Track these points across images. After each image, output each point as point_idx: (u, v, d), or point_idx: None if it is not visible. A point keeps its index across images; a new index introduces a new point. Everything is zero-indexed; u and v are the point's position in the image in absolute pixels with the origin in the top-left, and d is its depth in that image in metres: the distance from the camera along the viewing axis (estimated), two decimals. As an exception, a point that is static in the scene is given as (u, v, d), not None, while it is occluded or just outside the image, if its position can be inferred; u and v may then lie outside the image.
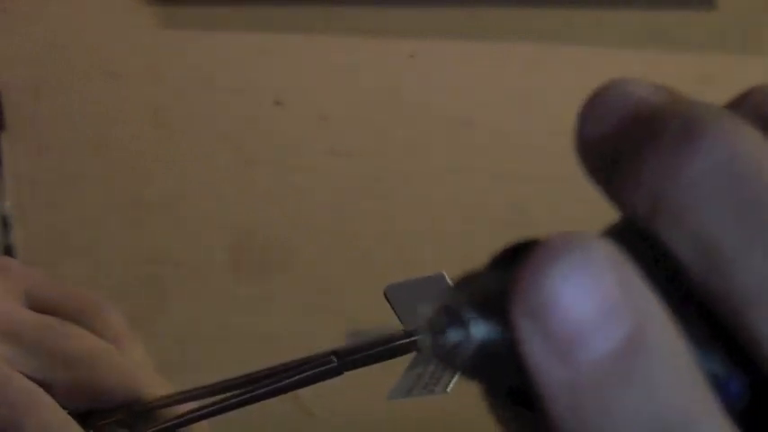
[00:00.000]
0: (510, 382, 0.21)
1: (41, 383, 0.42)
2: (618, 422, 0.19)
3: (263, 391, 0.45)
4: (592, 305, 0.19)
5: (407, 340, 0.45)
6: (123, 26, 1.17)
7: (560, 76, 1.04)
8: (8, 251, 1.24)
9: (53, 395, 0.42)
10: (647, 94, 0.22)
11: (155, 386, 0.45)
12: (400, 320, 0.46)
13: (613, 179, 0.23)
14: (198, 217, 1.19)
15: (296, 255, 1.14)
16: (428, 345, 0.21)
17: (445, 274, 0.45)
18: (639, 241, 0.22)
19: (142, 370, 0.46)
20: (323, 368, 0.46)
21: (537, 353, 0.19)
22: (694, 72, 1.00)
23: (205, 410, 0.45)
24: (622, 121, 0.22)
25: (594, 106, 0.23)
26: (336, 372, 0.45)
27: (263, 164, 1.15)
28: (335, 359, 0.46)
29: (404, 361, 0.46)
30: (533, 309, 0.19)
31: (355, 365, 0.46)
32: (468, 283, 0.22)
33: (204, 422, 0.46)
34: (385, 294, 0.46)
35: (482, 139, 1.07)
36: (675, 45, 1.00)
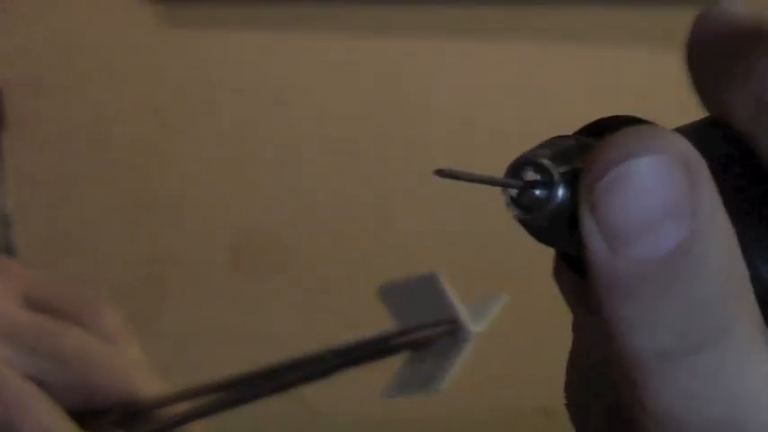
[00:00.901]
0: (573, 249, 0.22)
1: (38, 383, 0.42)
2: (646, 324, 0.20)
3: (260, 390, 0.46)
4: (650, 206, 0.20)
5: (402, 340, 0.45)
6: (123, 25, 1.17)
7: (560, 76, 1.04)
8: (8, 251, 1.24)
9: (50, 395, 0.42)
10: (755, 12, 0.23)
11: (150, 386, 0.45)
12: (394, 320, 0.46)
13: (720, 82, 0.24)
14: (198, 217, 1.19)
15: (296, 255, 1.14)
16: (513, 194, 0.22)
17: (438, 274, 0.45)
18: (722, 142, 0.23)
19: (137, 370, 0.46)
20: (320, 367, 0.46)
21: (592, 239, 0.20)
22: (694, 72, 1.00)
23: (201, 410, 0.45)
24: (735, 29, 0.23)
25: (708, 16, 0.24)
26: (333, 370, 0.46)
27: (263, 164, 1.15)
28: (332, 358, 0.46)
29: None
30: (596, 197, 0.20)
31: (351, 364, 0.46)
32: (557, 144, 0.23)
33: (199, 422, 0.46)
34: (378, 294, 0.47)
35: (482, 138, 1.07)
36: (675, 45, 1.00)
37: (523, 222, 0.23)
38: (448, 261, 1.18)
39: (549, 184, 0.22)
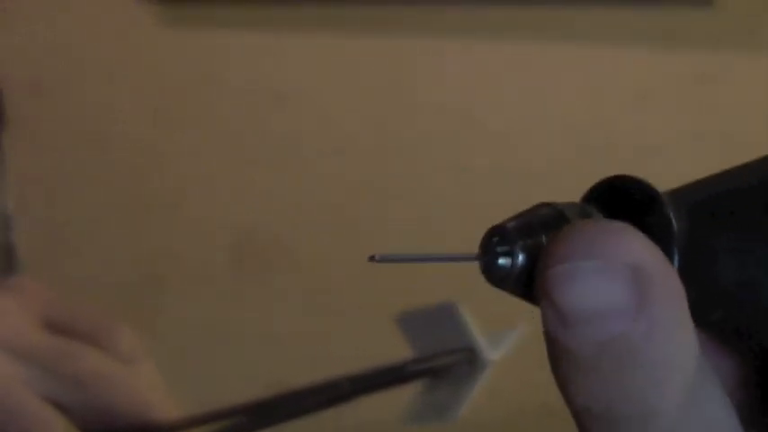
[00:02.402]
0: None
1: (56, 405, 0.43)
2: (580, 389, 0.23)
3: (277, 415, 0.46)
4: (591, 302, 0.23)
5: (419, 367, 0.46)
6: (123, 25, 1.17)
7: (560, 76, 1.04)
8: (9, 251, 1.24)
9: (68, 416, 0.42)
10: None
11: (166, 409, 0.46)
12: (411, 347, 0.47)
13: None
14: (198, 217, 1.19)
15: (296, 255, 1.14)
16: (482, 267, 0.24)
17: (456, 303, 0.46)
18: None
19: (154, 392, 0.46)
20: (336, 393, 0.46)
21: (545, 313, 0.23)
22: (694, 72, 1.00)
23: None
24: None
25: None
26: (349, 397, 0.46)
27: (263, 164, 1.15)
28: (349, 384, 0.47)
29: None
30: (547, 283, 0.23)
31: (368, 391, 0.46)
32: (531, 215, 0.26)
33: None
34: (395, 322, 0.47)
35: (483, 138, 1.07)
36: (675, 45, 1.00)
37: (496, 286, 0.25)
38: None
39: (510, 255, 0.24)
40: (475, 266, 0.26)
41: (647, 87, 1.02)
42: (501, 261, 0.24)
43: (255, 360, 1.17)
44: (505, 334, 0.46)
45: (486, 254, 0.25)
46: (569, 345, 0.23)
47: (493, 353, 0.45)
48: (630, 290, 0.23)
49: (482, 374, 0.44)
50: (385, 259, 0.25)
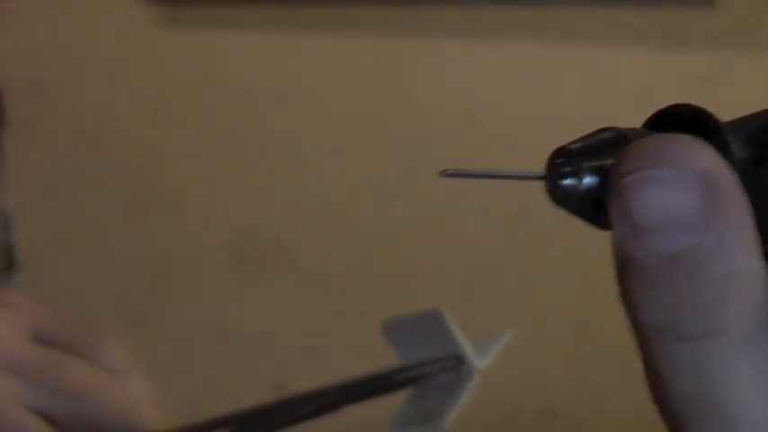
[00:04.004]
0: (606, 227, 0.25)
1: (45, 417, 0.43)
2: (648, 303, 0.23)
3: (266, 425, 0.46)
4: (664, 212, 0.23)
5: (406, 375, 0.45)
6: (123, 25, 1.17)
7: (560, 76, 1.04)
8: (9, 251, 1.24)
9: (56, 428, 0.42)
10: None
11: (155, 421, 0.46)
12: (398, 355, 0.46)
13: None
14: (198, 217, 1.19)
15: (296, 255, 1.14)
16: (547, 187, 0.25)
17: (442, 310, 0.45)
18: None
19: (144, 403, 0.46)
20: (325, 402, 0.46)
21: (616, 222, 0.23)
22: (694, 72, 1.00)
23: None
24: None
25: None
26: (338, 405, 0.46)
27: (263, 164, 1.15)
28: (337, 393, 0.47)
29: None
30: (621, 190, 0.23)
31: (356, 399, 0.46)
32: (594, 137, 0.26)
33: None
34: (382, 330, 0.47)
35: (482, 138, 1.07)
36: (675, 44, 1.00)
37: (560, 205, 0.26)
38: (447, 261, 1.18)
39: (574, 175, 0.25)
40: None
41: (647, 87, 1.02)
42: (566, 181, 0.25)
43: (255, 360, 1.17)
44: (492, 340, 0.46)
45: (552, 173, 0.25)
46: (640, 256, 0.23)
47: (480, 360, 0.45)
48: (703, 200, 0.22)
49: (470, 383, 0.44)
50: (453, 174, 0.25)
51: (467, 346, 0.45)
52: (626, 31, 1.02)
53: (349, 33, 1.10)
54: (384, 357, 1.24)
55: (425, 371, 0.45)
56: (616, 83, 1.03)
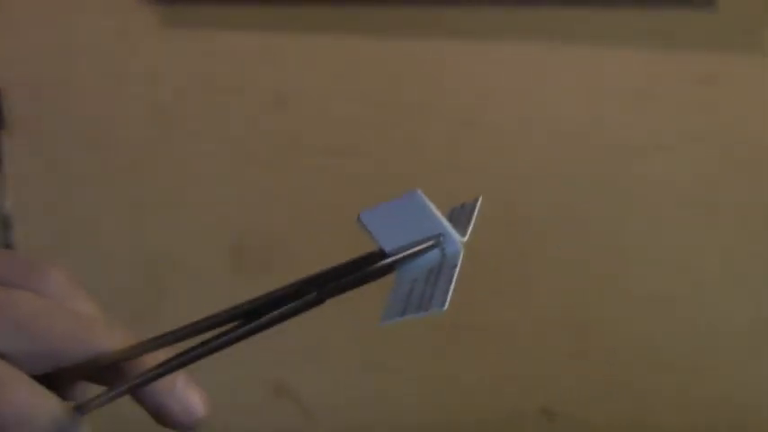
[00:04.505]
0: None
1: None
2: None
3: (242, 330, 0.44)
4: None
5: (387, 261, 0.44)
6: (123, 26, 1.17)
7: (560, 76, 1.04)
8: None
9: (12, 365, 0.41)
10: None
11: (114, 338, 0.44)
12: (378, 243, 0.45)
13: None
14: (198, 217, 1.19)
15: (296, 255, 1.14)
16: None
17: (420, 192, 0.44)
18: None
19: (95, 326, 0.44)
20: (303, 300, 0.44)
21: None
22: (694, 72, 1.00)
23: (184, 357, 0.43)
24: None
25: None
26: (317, 302, 0.44)
27: (263, 164, 1.15)
28: (310, 288, 0.45)
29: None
30: None
31: (334, 293, 0.45)
32: None
33: (181, 371, 0.44)
34: (359, 221, 0.46)
35: (482, 138, 1.07)
36: (675, 45, 1.00)
37: None
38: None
39: None
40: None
41: (647, 87, 1.02)
42: None
43: (255, 360, 1.17)
44: (466, 211, 0.45)
45: None
46: None
47: (461, 233, 0.44)
48: None
49: (458, 258, 0.42)
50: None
51: (446, 223, 0.44)
52: (626, 31, 1.02)
53: (349, 33, 1.10)
54: (383, 356, 1.24)
55: (408, 254, 0.43)
56: (616, 83, 1.03)
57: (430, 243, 0.43)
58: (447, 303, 0.41)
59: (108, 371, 0.43)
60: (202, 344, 0.44)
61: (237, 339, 0.44)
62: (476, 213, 0.44)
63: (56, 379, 0.43)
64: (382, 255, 0.44)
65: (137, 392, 0.43)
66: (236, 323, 0.45)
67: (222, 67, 1.15)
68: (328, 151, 1.13)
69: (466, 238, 0.44)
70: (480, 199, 0.45)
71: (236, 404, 1.18)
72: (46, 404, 0.41)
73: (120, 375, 0.43)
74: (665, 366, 1.06)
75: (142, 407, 0.44)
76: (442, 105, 1.09)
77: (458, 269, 0.42)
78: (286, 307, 0.44)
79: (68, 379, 0.44)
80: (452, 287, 0.42)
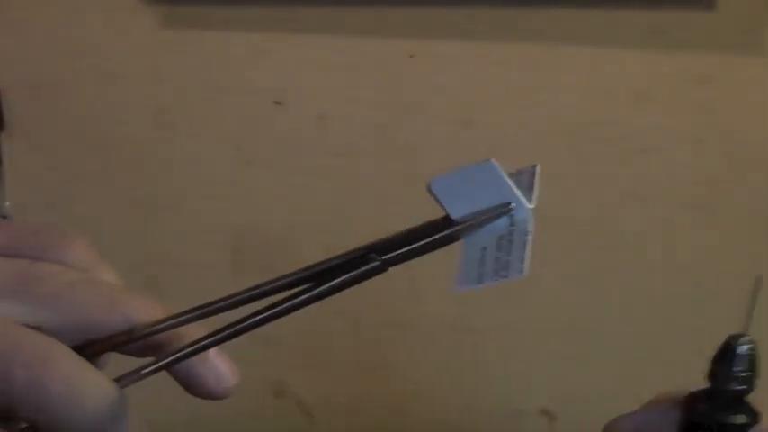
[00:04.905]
0: None
1: (35, 329, 0.41)
2: None
3: (295, 301, 0.43)
4: None
5: (455, 229, 0.43)
6: (123, 26, 1.17)
7: (560, 76, 1.04)
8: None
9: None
10: None
11: (148, 308, 0.44)
12: (446, 210, 0.44)
13: None
14: (198, 217, 1.19)
15: (296, 255, 1.14)
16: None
17: (494, 161, 0.43)
18: None
19: (132, 293, 0.44)
20: (367, 267, 0.43)
21: None
22: (694, 72, 1.00)
23: (227, 332, 0.43)
24: None
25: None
26: (380, 270, 0.43)
27: (263, 164, 1.15)
28: (374, 254, 0.44)
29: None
30: None
31: (398, 261, 0.43)
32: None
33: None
34: (429, 189, 0.45)
35: (482, 138, 1.07)
36: (675, 45, 1.00)
37: None
38: (448, 261, 1.18)
39: None
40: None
41: (647, 87, 1.02)
42: None
43: (255, 360, 1.17)
44: (525, 176, 0.44)
45: None
46: None
47: (528, 199, 0.43)
48: None
49: (527, 224, 0.42)
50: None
51: (517, 190, 0.43)
52: (626, 31, 1.02)
53: (349, 33, 1.10)
54: (383, 357, 1.24)
55: (476, 222, 0.42)
56: (616, 83, 1.03)
57: (498, 211, 0.42)
58: (526, 269, 0.41)
59: (141, 343, 0.43)
60: (243, 319, 0.43)
61: (283, 313, 0.43)
62: (537, 179, 0.44)
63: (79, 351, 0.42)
64: (447, 222, 0.43)
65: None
66: (296, 290, 0.44)
67: (222, 67, 1.15)
68: (328, 151, 1.13)
69: (533, 205, 0.43)
70: (538, 166, 0.44)
71: (236, 404, 1.18)
72: (93, 378, 0.40)
73: (155, 347, 0.43)
74: (666, 366, 1.06)
75: (172, 376, 0.44)
76: (442, 105, 1.09)
77: (531, 236, 0.42)
78: (349, 275, 0.43)
79: (93, 351, 0.43)
80: (528, 253, 0.42)
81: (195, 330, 0.44)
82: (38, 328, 0.40)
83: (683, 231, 1.04)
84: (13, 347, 0.39)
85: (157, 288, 1.21)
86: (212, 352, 0.45)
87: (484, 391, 1.13)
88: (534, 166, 0.44)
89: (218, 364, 0.45)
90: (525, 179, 0.44)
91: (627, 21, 1.02)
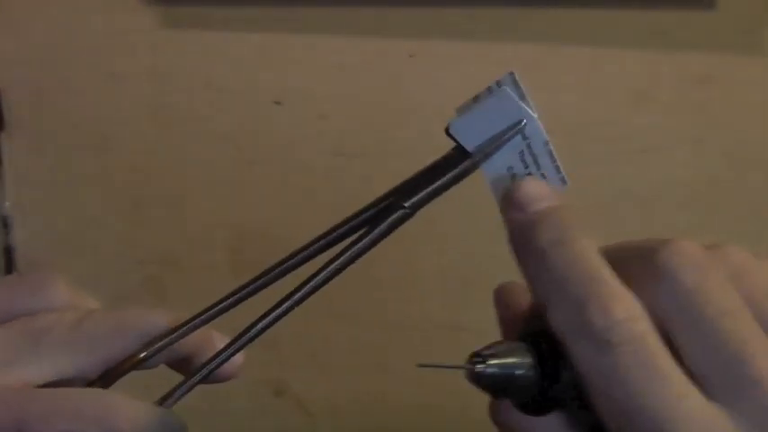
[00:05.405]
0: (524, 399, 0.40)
1: (70, 381, 0.42)
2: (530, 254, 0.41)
3: (328, 270, 0.43)
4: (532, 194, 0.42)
5: (470, 161, 0.43)
6: (123, 26, 1.17)
7: (560, 76, 1.04)
8: (8, 251, 1.24)
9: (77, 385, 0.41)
10: None
11: (155, 316, 0.46)
12: (465, 147, 0.44)
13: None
14: (198, 217, 1.19)
15: (296, 255, 1.14)
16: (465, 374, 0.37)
17: (507, 88, 0.43)
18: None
19: (131, 311, 0.45)
20: (392, 218, 0.42)
21: (506, 210, 0.43)
22: (694, 72, 1.00)
23: (250, 333, 0.43)
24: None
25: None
26: (408, 217, 0.43)
27: (263, 164, 1.15)
28: (402, 203, 0.43)
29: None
30: (508, 198, 0.43)
31: (423, 203, 0.43)
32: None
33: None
34: (447, 132, 0.45)
35: (482, 139, 1.07)
36: (675, 45, 1.00)
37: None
38: (446, 261, 1.18)
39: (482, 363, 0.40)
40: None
41: (647, 87, 1.02)
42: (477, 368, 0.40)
43: (256, 361, 1.17)
44: (511, 85, 0.44)
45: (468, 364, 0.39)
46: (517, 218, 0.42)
47: (531, 108, 0.43)
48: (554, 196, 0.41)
49: (542, 133, 0.42)
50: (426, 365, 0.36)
51: (526, 107, 0.43)
52: (626, 31, 1.02)
53: (349, 33, 1.10)
54: (382, 357, 1.24)
55: (490, 150, 0.43)
56: (616, 83, 1.03)
57: (511, 133, 0.42)
58: (567, 178, 0.42)
59: (162, 356, 0.43)
60: (261, 317, 0.44)
61: (326, 281, 0.43)
62: (522, 86, 0.44)
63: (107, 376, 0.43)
64: (462, 153, 0.44)
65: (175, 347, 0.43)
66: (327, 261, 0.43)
67: (222, 67, 1.15)
68: (328, 151, 1.13)
69: (536, 114, 0.43)
70: (514, 72, 0.45)
71: (236, 404, 1.18)
72: (148, 410, 0.41)
73: (180, 361, 0.44)
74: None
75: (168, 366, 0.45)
76: (441, 105, 1.09)
77: (550, 144, 0.42)
78: (377, 229, 0.43)
79: (115, 375, 0.44)
80: (558, 162, 0.43)
81: (218, 339, 0.46)
82: (59, 382, 0.41)
83: (683, 231, 1.04)
84: (76, 412, 0.40)
85: (157, 288, 1.21)
86: (217, 336, 0.47)
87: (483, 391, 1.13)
88: (511, 74, 0.44)
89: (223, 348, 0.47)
90: (516, 91, 0.44)
91: (627, 21, 1.02)
